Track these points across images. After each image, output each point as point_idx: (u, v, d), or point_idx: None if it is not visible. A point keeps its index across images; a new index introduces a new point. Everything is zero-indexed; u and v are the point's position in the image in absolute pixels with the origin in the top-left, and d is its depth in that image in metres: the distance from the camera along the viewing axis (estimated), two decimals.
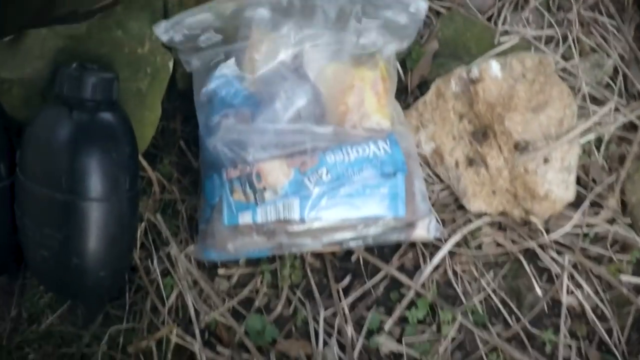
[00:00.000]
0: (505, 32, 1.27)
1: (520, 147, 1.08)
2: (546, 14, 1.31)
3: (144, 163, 1.11)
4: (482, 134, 1.11)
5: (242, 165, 1.01)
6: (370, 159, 1.03)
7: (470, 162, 1.12)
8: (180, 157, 1.19)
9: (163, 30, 1.03)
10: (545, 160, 1.08)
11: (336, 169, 1.01)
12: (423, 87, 1.23)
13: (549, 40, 1.29)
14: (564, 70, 1.24)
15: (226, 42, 1.07)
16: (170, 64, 1.08)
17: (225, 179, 1.02)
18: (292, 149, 1.02)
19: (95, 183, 0.96)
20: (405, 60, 1.23)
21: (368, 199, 1.02)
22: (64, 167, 0.95)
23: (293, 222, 1.01)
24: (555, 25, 1.30)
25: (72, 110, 0.95)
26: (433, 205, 1.14)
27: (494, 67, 1.10)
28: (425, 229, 1.06)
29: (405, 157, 1.05)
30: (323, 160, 1.01)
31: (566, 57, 1.27)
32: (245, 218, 1.02)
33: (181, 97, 1.20)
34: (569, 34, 1.29)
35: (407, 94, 1.24)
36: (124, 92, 1.04)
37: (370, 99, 1.05)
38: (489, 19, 1.32)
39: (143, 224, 1.13)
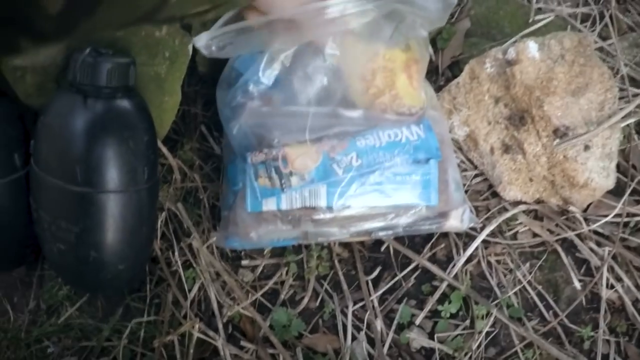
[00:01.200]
0: (540, 10, 1.16)
1: (560, 133, 0.97)
2: None
3: (164, 150, 1.02)
4: (519, 118, 1.00)
5: (268, 149, 0.91)
6: (403, 144, 0.92)
7: (506, 148, 1.02)
8: (202, 142, 1.10)
9: (204, 44, 0.92)
10: (586, 147, 0.98)
11: (367, 154, 0.90)
12: (454, 67, 1.12)
13: (585, 18, 1.18)
14: (601, 50, 1.13)
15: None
16: (190, 47, 0.98)
17: (250, 163, 0.92)
18: (320, 132, 0.91)
19: (112, 174, 0.87)
20: (435, 39, 1.12)
21: (399, 186, 0.92)
22: (79, 158, 0.86)
23: (320, 210, 0.91)
24: (592, 3, 1.18)
25: (86, 98, 0.86)
26: (466, 192, 1.04)
27: (532, 47, 0.99)
28: (458, 219, 0.96)
29: (439, 144, 0.94)
30: (353, 144, 0.91)
31: (603, 36, 1.16)
32: (269, 205, 0.91)
33: (202, 80, 1.10)
34: (605, 11, 1.17)
35: (437, 75, 1.13)
36: (142, 77, 0.94)
37: (401, 81, 0.94)
38: None
39: (164, 214, 1.04)
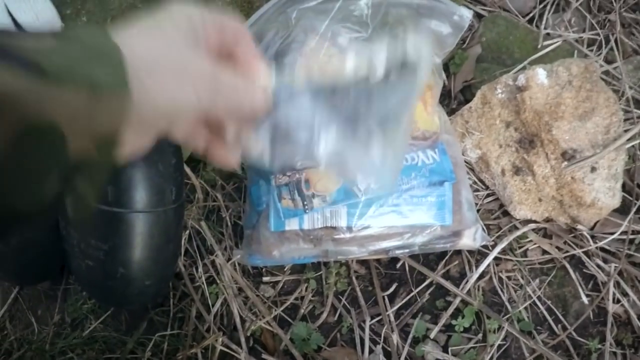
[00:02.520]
0: (548, 35, 1.19)
1: (568, 156, 1.00)
2: (587, 15, 1.23)
3: (187, 170, 1.04)
4: (529, 142, 1.03)
5: (291, 172, 0.94)
6: (419, 167, 0.95)
7: (517, 170, 1.05)
8: None
9: None
10: (593, 169, 1.01)
11: None
12: (466, 91, 1.15)
13: (591, 42, 1.21)
14: (606, 73, 1.16)
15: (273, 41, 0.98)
16: None
17: (274, 186, 0.95)
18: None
19: (141, 195, 0.89)
20: (448, 64, 1.15)
21: (415, 207, 0.94)
22: (110, 180, 0.88)
23: (340, 229, 0.94)
24: (597, 27, 1.21)
25: None
26: (478, 211, 1.07)
27: (541, 74, 1.02)
28: (471, 238, 0.99)
29: (453, 166, 0.97)
30: None
31: (609, 60, 1.19)
32: (292, 225, 0.94)
33: None
34: (610, 35, 1.20)
35: (450, 99, 1.16)
36: None
37: (417, 108, 0.97)
38: (530, 21, 1.23)
39: (187, 232, 1.06)
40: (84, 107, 0.39)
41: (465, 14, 0.97)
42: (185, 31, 0.45)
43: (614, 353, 1.00)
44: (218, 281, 1.03)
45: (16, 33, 0.41)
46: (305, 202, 0.93)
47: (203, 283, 1.03)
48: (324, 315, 1.04)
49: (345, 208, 0.93)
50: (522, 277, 1.04)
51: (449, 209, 0.95)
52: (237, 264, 1.05)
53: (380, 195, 0.93)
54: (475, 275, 1.03)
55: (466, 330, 1.02)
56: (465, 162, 1.08)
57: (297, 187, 0.93)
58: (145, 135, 0.47)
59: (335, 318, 1.04)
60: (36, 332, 1.08)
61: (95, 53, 0.41)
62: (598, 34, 1.21)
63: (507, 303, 1.03)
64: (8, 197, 0.40)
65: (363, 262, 1.07)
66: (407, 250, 0.98)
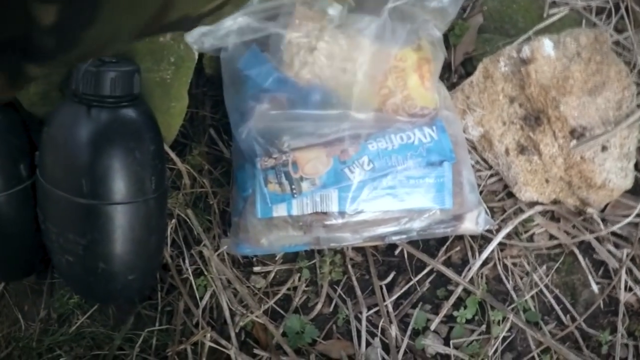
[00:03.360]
0: (554, 3, 1.10)
1: (577, 134, 0.92)
2: None
3: (172, 155, 0.97)
4: (534, 119, 0.95)
5: (278, 154, 0.86)
6: (416, 147, 0.87)
7: (522, 149, 0.97)
8: (211, 146, 1.05)
9: (194, 40, 0.88)
10: (604, 148, 0.93)
11: (379, 157, 0.86)
12: (467, 64, 1.06)
13: (600, 10, 1.12)
14: (617, 43, 1.07)
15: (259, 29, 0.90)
16: (196, 51, 0.93)
17: (260, 169, 0.87)
18: (330, 136, 0.87)
19: (118, 186, 0.83)
20: (448, 36, 1.06)
21: (412, 190, 0.87)
22: (84, 170, 0.82)
23: (331, 215, 0.87)
24: None
25: (90, 109, 0.82)
26: (481, 192, 0.99)
27: (547, 45, 0.94)
28: (473, 222, 0.91)
29: (452, 145, 0.89)
30: (365, 148, 0.86)
31: (619, 29, 1.09)
32: (279, 211, 0.87)
33: (209, 82, 1.05)
34: (620, 3, 1.11)
35: (450, 73, 1.07)
36: (147, 83, 0.90)
37: (413, 82, 0.89)
38: None
39: (173, 220, 0.99)
40: None
41: None
42: None
43: (626, 345, 0.94)
44: (206, 273, 0.97)
45: None
46: (293, 186, 0.86)
47: (190, 275, 0.97)
48: (319, 306, 0.97)
49: (337, 192, 0.86)
50: (529, 264, 0.97)
51: (448, 190, 0.88)
52: (226, 254, 0.98)
53: (373, 177, 0.86)
54: (479, 262, 0.96)
55: (469, 321, 0.95)
56: (467, 140, 1.00)
57: (284, 170, 0.86)
58: None
59: (331, 309, 0.97)
60: (23, 329, 1.02)
61: None
62: (607, 2, 1.11)
63: (512, 291, 0.96)
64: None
65: (359, 249, 0.99)
66: (404, 237, 0.90)
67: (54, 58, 0.44)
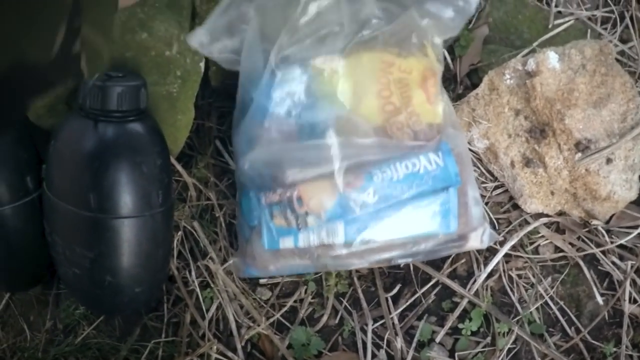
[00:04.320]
0: (559, 14, 1.09)
1: (582, 147, 0.92)
2: None
3: (179, 167, 0.97)
4: (540, 131, 0.95)
5: (282, 189, 0.85)
6: (421, 175, 0.85)
7: (527, 161, 0.97)
8: (217, 158, 1.04)
9: (198, 41, 0.87)
10: (608, 160, 0.93)
11: (384, 188, 0.84)
12: (473, 75, 1.06)
13: (605, 20, 1.11)
14: (622, 53, 1.07)
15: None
16: (202, 65, 0.93)
17: (265, 204, 0.87)
18: (335, 166, 0.84)
19: (125, 200, 0.83)
20: (453, 47, 1.06)
21: (418, 217, 0.85)
22: (91, 184, 0.82)
23: (337, 246, 0.85)
24: (611, 4, 1.11)
25: (97, 123, 0.82)
26: (486, 204, 0.99)
27: (552, 57, 0.94)
28: (478, 240, 0.90)
29: (458, 166, 0.88)
30: (369, 179, 0.84)
31: (624, 39, 1.09)
32: (286, 243, 0.86)
33: (215, 93, 1.04)
34: (625, 12, 1.11)
35: (456, 84, 1.07)
36: (154, 96, 0.89)
37: (418, 98, 0.88)
38: None
39: (179, 233, 0.99)
40: None
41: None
42: None
43: (630, 356, 0.93)
44: (212, 285, 0.97)
45: None
46: (298, 221, 0.85)
47: (196, 287, 0.97)
48: (324, 318, 0.97)
49: (342, 224, 0.84)
50: (534, 276, 0.97)
51: (454, 215, 0.86)
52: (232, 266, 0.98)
53: (379, 208, 0.85)
54: (484, 275, 0.96)
55: (474, 333, 0.95)
56: (473, 152, 1.00)
57: (289, 206, 0.85)
58: None
59: (336, 321, 0.97)
60: (29, 339, 1.02)
61: None
62: (612, 11, 1.10)
63: (517, 303, 0.96)
64: (18, 43, 0.39)
65: None
66: (410, 259, 0.89)
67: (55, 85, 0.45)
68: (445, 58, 1.04)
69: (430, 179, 0.85)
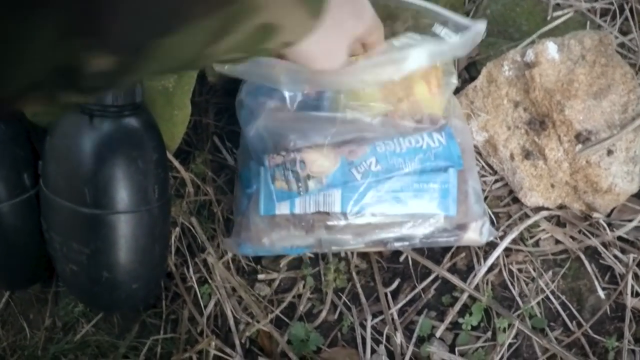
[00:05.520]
0: (558, 6, 1.08)
1: (582, 138, 0.91)
2: None
3: (176, 163, 0.96)
4: (539, 123, 0.94)
5: (285, 152, 0.85)
6: (424, 150, 0.86)
7: (527, 154, 0.95)
8: (214, 153, 1.04)
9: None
10: (609, 152, 0.91)
11: (386, 159, 0.84)
12: (472, 68, 1.05)
13: (604, 12, 1.10)
14: (622, 45, 1.05)
15: None
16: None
17: (267, 166, 0.86)
18: (338, 137, 0.85)
19: (121, 195, 0.82)
20: None
21: (416, 194, 0.86)
22: (87, 180, 0.81)
23: (333, 216, 0.85)
24: None
25: (93, 118, 0.81)
26: (486, 198, 0.98)
27: (551, 48, 0.92)
28: (477, 232, 0.90)
29: (461, 152, 0.88)
30: (373, 149, 0.85)
31: (623, 31, 1.08)
32: (282, 209, 0.86)
33: (212, 90, 1.04)
34: (625, 4, 1.09)
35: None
36: (150, 91, 0.89)
37: (420, 88, 0.87)
38: None
39: (177, 229, 0.98)
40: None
41: (481, 28, 0.82)
42: None
43: (633, 351, 0.92)
44: (210, 281, 0.96)
45: None
46: (299, 184, 0.84)
47: (194, 284, 0.96)
48: (323, 313, 0.96)
49: (340, 192, 0.85)
50: (534, 270, 0.95)
51: (453, 197, 0.87)
52: (230, 262, 0.97)
53: (379, 179, 0.84)
54: (484, 269, 0.95)
55: (474, 328, 0.93)
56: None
57: (291, 168, 0.85)
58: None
59: (335, 317, 0.96)
60: (28, 337, 1.02)
61: None
62: (612, 3, 1.09)
63: (517, 298, 0.94)
64: None
65: (364, 256, 0.98)
66: (407, 243, 0.89)
67: (99, 91, 0.43)
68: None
69: (432, 155, 0.86)
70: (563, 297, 0.95)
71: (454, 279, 0.95)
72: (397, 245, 0.90)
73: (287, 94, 0.88)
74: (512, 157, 0.96)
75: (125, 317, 1.00)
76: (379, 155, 0.85)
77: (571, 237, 0.96)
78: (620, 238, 0.95)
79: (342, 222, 0.86)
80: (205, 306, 0.96)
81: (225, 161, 1.03)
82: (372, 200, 0.85)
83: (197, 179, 0.99)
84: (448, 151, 0.87)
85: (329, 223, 0.86)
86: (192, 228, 0.98)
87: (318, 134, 0.85)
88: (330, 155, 0.85)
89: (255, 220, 0.88)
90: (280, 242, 0.89)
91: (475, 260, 0.96)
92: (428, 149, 0.86)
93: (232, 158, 1.02)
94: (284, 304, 0.97)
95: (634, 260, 0.93)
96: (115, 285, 0.88)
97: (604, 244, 0.95)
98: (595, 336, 0.92)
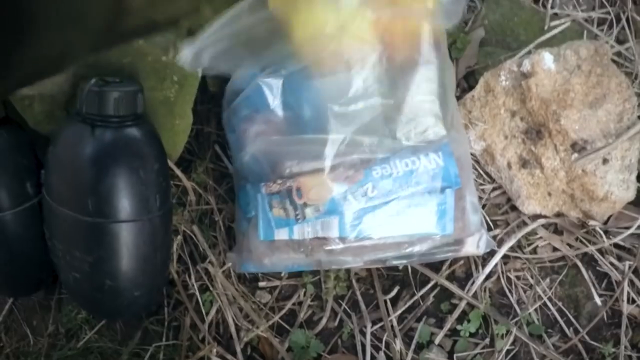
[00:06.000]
0: (555, 15, 1.09)
1: (578, 147, 0.92)
2: None
3: (178, 172, 0.98)
4: (536, 132, 0.95)
5: (282, 179, 0.86)
6: (420, 174, 0.85)
7: (524, 163, 0.97)
8: (216, 162, 1.05)
9: (189, 59, 0.86)
10: (605, 161, 0.92)
11: (383, 184, 0.84)
12: (470, 78, 1.06)
13: (601, 21, 1.11)
14: (618, 54, 1.07)
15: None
16: (199, 70, 0.93)
17: (264, 194, 0.87)
18: (335, 160, 0.85)
19: (123, 204, 0.83)
20: (450, 49, 1.06)
21: (414, 216, 0.86)
22: (89, 189, 0.82)
23: (332, 241, 0.86)
24: (607, 5, 1.11)
25: (94, 128, 0.82)
26: (484, 206, 0.99)
27: (547, 58, 0.94)
28: (474, 246, 0.90)
29: (458, 169, 0.88)
30: (369, 174, 0.84)
31: (620, 40, 1.09)
32: (281, 234, 0.87)
33: (214, 98, 1.05)
34: (621, 14, 1.11)
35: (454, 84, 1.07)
36: (151, 101, 0.90)
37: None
38: (536, 1, 1.13)
39: (179, 237, 1.00)
40: None
41: None
42: None
43: (629, 357, 0.93)
44: (212, 288, 0.97)
45: None
46: (297, 212, 0.85)
47: (196, 291, 0.97)
48: (324, 321, 0.97)
49: (337, 218, 0.84)
50: (532, 277, 0.97)
51: (450, 217, 0.86)
52: (231, 270, 0.99)
53: (375, 204, 0.85)
54: (482, 276, 0.96)
55: (473, 335, 0.95)
56: (470, 154, 1.00)
57: (288, 196, 0.86)
58: None
59: (336, 324, 0.98)
60: (31, 344, 1.03)
61: None
62: (608, 12, 1.10)
63: (515, 305, 0.96)
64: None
65: None
66: (405, 261, 0.90)
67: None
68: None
69: (429, 177, 0.85)
70: (560, 304, 0.96)
71: (453, 287, 0.96)
72: (396, 262, 0.91)
73: (270, 117, 0.88)
74: (509, 165, 0.98)
75: (127, 324, 1.01)
76: (375, 180, 0.85)
77: (568, 244, 0.97)
78: (616, 245, 0.97)
79: (341, 246, 0.86)
80: (207, 313, 0.97)
81: (227, 170, 1.04)
82: (369, 224, 0.85)
83: (198, 188, 1.01)
84: (446, 171, 0.86)
85: (328, 248, 0.86)
86: (193, 236, 1.00)
87: (314, 157, 0.85)
88: (327, 181, 0.85)
89: (256, 243, 0.89)
90: (281, 263, 0.90)
91: (473, 268, 0.97)
92: (425, 171, 0.86)
93: (233, 168, 1.03)
94: (285, 311, 0.98)
95: (629, 268, 0.94)
96: (118, 292, 0.89)
97: (600, 251, 0.96)
98: (592, 342, 0.94)
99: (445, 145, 0.87)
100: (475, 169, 1.01)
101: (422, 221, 0.86)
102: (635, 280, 0.95)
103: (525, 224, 0.98)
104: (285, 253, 0.88)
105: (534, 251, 0.98)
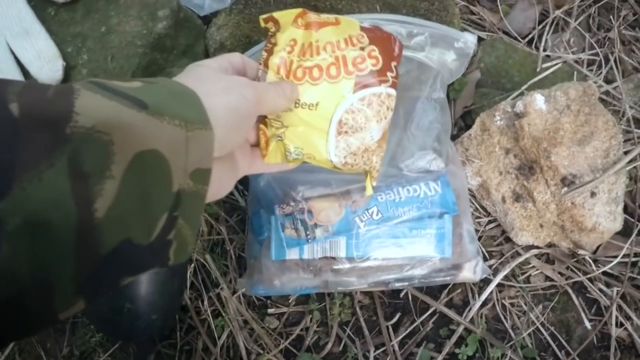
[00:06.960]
0: (547, 57, 1.21)
1: (567, 182, 1.03)
2: (586, 34, 1.25)
3: None
4: (528, 168, 1.06)
5: (294, 202, 0.98)
6: (421, 199, 0.98)
7: (517, 197, 1.07)
8: (227, 196, 1.15)
9: None
10: (593, 194, 1.03)
11: (387, 208, 0.97)
12: (467, 117, 1.17)
13: (590, 62, 1.23)
14: (607, 93, 1.18)
15: None
16: None
17: (278, 215, 0.98)
18: (342, 187, 0.98)
19: None
20: (448, 91, 1.17)
21: (415, 239, 0.98)
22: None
23: (339, 260, 0.98)
24: (596, 46, 1.23)
25: None
26: (480, 238, 1.09)
27: (539, 99, 1.05)
28: (471, 271, 1.01)
29: (455, 198, 1.00)
30: (374, 199, 0.97)
31: (609, 80, 1.21)
32: (292, 254, 0.98)
33: None
34: (610, 54, 1.23)
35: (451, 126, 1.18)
36: None
37: None
38: (530, 43, 1.26)
39: (192, 265, 1.09)
40: (181, 139, 0.47)
41: (470, 40, 0.97)
42: (215, 69, 0.61)
43: None
44: (223, 314, 1.07)
45: (106, 78, 0.47)
46: (308, 232, 0.96)
47: (209, 316, 1.07)
48: (329, 345, 1.07)
49: (345, 239, 0.97)
50: (525, 304, 1.07)
51: (448, 241, 0.98)
52: (242, 297, 1.08)
53: (380, 226, 0.96)
54: (478, 303, 1.06)
55: (470, 358, 1.05)
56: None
57: (300, 217, 0.97)
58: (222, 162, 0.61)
59: (340, 348, 1.07)
60: None
61: (178, 95, 0.50)
62: (597, 54, 1.23)
63: (510, 330, 1.06)
64: (130, 223, 0.44)
65: (367, 293, 1.10)
66: (406, 283, 1.01)
67: None
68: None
69: (429, 202, 0.97)
70: (552, 329, 1.06)
71: (451, 313, 1.06)
72: (398, 285, 1.02)
73: None
74: (503, 199, 1.08)
75: (141, 348, 1.10)
76: (380, 205, 0.97)
77: (559, 273, 1.08)
78: (605, 273, 1.08)
79: (347, 266, 0.98)
80: (219, 337, 1.07)
81: (237, 203, 1.14)
82: (374, 245, 0.97)
83: (211, 219, 1.11)
84: (444, 199, 0.99)
85: (335, 267, 0.98)
86: (206, 264, 1.09)
87: (324, 184, 0.98)
88: (336, 205, 0.97)
89: (267, 264, 1.00)
90: (290, 284, 1.00)
91: (470, 295, 1.08)
92: (425, 197, 0.98)
93: (243, 200, 1.13)
94: (293, 336, 1.08)
95: (617, 293, 1.05)
96: (136, 315, 0.98)
97: (590, 279, 1.07)
98: None
99: (443, 176, 0.99)
100: (472, 203, 1.12)
101: (422, 244, 0.97)
102: (623, 305, 1.05)
103: (519, 254, 1.09)
104: (295, 272, 0.98)
105: (527, 280, 1.09)
